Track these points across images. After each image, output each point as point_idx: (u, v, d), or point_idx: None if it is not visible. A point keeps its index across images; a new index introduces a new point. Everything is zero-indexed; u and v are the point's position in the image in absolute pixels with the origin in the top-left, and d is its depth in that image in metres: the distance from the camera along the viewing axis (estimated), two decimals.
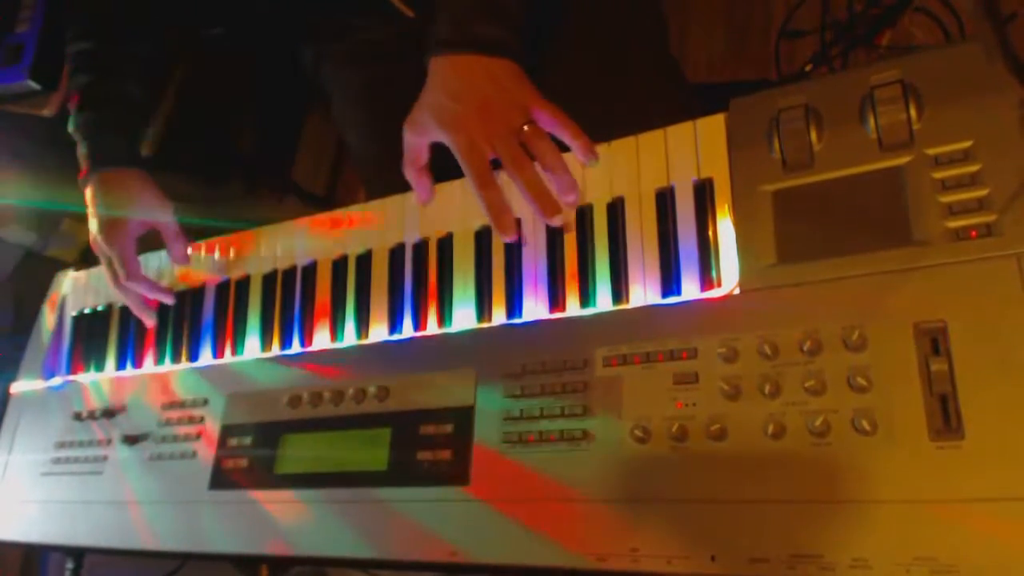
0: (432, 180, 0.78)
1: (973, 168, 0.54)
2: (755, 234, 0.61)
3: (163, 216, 0.97)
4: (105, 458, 0.89)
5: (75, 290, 1.08)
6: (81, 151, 0.99)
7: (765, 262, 0.60)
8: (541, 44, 0.87)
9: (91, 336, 1.02)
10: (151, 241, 0.99)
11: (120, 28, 1.02)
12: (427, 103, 0.75)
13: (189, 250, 0.97)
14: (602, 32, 0.95)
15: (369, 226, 0.83)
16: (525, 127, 0.71)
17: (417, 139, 0.76)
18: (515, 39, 0.75)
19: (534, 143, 0.70)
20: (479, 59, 0.73)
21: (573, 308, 0.68)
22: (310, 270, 0.86)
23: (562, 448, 0.61)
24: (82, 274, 1.09)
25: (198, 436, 0.82)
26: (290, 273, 0.87)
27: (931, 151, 0.56)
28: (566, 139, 0.71)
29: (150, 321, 0.95)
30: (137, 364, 0.96)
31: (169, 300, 0.95)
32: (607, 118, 0.75)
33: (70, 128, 1.00)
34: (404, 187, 0.82)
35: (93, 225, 0.97)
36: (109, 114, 0.99)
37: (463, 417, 0.67)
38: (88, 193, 0.98)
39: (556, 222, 0.69)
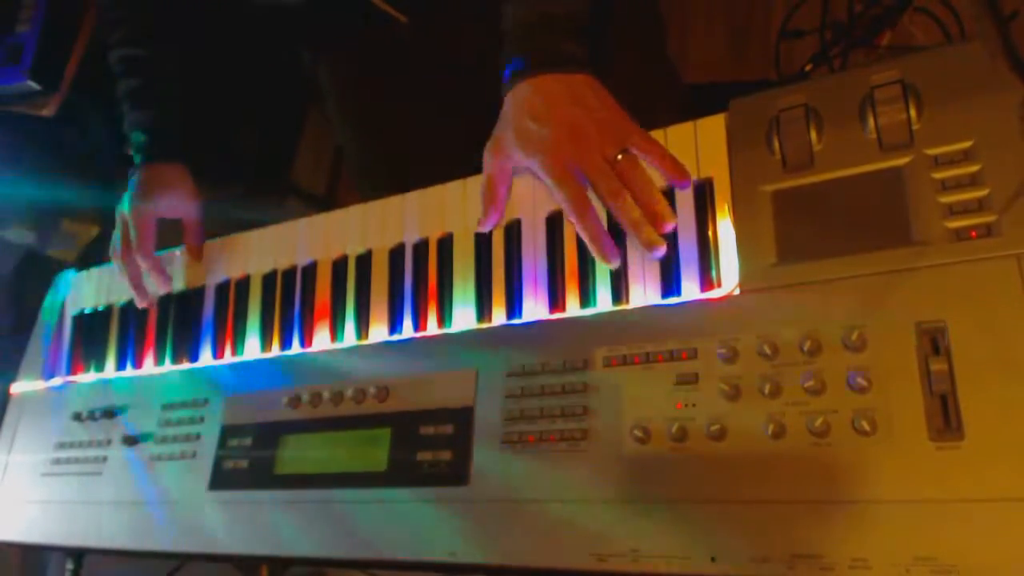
0: (503, 214, 0.74)
1: (973, 168, 0.54)
2: (755, 234, 0.61)
3: (188, 208, 1.00)
4: (105, 458, 0.89)
5: (75, 290, 1.08)
6: (133, 146, 1.02)
7: (765, 262, 0.60)
8: None
9: (91, 336, 1.02)
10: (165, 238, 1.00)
11: (160, 32, 1.05)
12: (510, 127, 0.71)
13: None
14: (599, 33, 0.95)
15: (369, 226, 0.83)
16: (619, 156, 0.67)
17: (500, 163, 0.72)
18: (587, 51, 0.72)
19: (630, 175, 0.66)
20: (559, 78, 0.70)
21: (573, 308, 0.68)
22: (310, 270, 0.86)
23: (562, 448, 0.61)
24: (82, 274, 1.09)
25: (198, 436, 0.82)
26: (290, 273, 0.87)
27: (931, 151, 0.56)
28: (662, 171, 0.66)
29: (143, 302, 0.96)
30: (137, 364, 0.96)
31: (166, 287, 0.96)
32: None
33: (125, 126, 1.03)
34: (388, 191, 0.82)
35: (125, 202, 0.99)
36: (159, 113, 1.03)
37: (463, 417, 0.67)
38: (133, 181, 1.00)
39: (660, 254, 0.64)
